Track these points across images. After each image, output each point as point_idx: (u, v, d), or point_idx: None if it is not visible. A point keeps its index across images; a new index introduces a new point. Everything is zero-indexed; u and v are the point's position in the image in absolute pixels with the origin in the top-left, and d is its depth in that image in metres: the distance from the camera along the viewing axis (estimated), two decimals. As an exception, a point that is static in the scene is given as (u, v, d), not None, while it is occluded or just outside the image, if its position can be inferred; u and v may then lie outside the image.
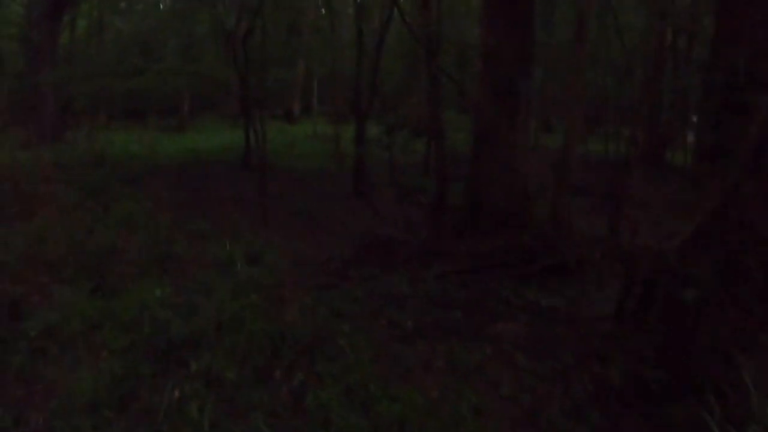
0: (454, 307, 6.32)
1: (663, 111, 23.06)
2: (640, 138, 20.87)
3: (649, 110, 21.47)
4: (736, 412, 3.89)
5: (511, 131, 8.79)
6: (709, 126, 6.09)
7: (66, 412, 4.31)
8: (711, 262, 4.97)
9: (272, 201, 10.68)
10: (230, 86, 19.46)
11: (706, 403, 4.00)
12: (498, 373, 5.12)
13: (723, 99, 5.62)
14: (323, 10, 37.08)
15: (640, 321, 5.65)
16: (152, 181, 13.71)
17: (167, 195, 11.84)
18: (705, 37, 17.39)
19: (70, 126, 25.19)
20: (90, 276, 6.94)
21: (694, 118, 20.80)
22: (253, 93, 14.63)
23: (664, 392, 4.58)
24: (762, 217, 5.20)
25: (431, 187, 12.31)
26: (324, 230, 9.05)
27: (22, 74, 25.10)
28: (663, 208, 11.81)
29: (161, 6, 33.67)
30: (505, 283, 7.17)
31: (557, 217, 9.23)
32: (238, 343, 5.05)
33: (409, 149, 18.96)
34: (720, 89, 5.67)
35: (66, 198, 11.34)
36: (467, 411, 4.38)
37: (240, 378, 4.70)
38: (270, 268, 6.93)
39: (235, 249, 7.45)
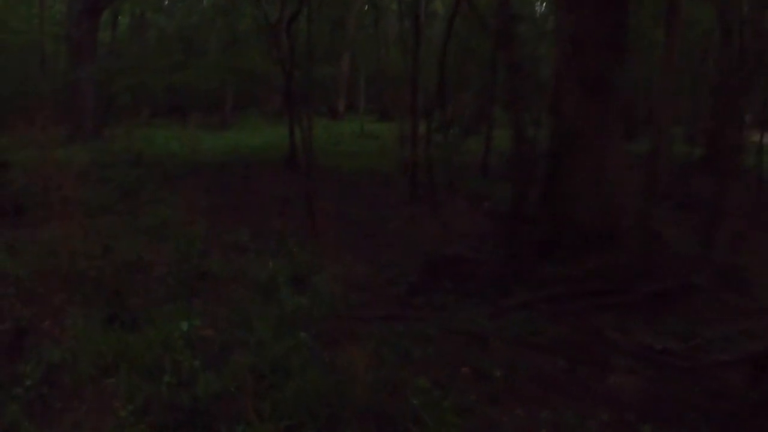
0: (548, 351, 5.03)
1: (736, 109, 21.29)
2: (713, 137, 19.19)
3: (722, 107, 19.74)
4: None
5: (601, 134, 7.43)
6: None
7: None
8: None
9: (320, 206, 9.50)
10: (273, 82, 18.36)
11: None
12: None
13: None
14: (366, 7, 36.08)
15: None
16: (190, 181, 12.69)
17: (205, 198, 10.78)
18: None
19: (110, 123, 24.51)
20: (109, 297, 5.85)
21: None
22: (298, 88, 13.51)
23: None
24: None
25: (495, 193, 11.03)
26: (381, 243, 7.83)
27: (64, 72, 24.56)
28: (746, 218, 10.33)
29: (204, 2, 32.86)
30: (605, 317, 5.85)
31: (648, 232, 7.85)
32: (281, 403, 3.85)
33: (461, 149, 17.69)
34: None
35: (96, 200, 10.36)
36: None
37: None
38: (320, 295, 5.74)
39: (278, 267, 6.29)
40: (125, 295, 5.75)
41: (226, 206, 9.99)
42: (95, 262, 6.74)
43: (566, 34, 7.93)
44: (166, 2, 35.68)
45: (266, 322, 4.99)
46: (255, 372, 4.18)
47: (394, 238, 7.99)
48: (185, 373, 4.22)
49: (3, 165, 12.77)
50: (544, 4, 30.36)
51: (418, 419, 3.79)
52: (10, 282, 6.68)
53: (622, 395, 4.46)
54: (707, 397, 4.62)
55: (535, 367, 4.72)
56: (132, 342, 4.86)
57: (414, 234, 8.17)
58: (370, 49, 34.34)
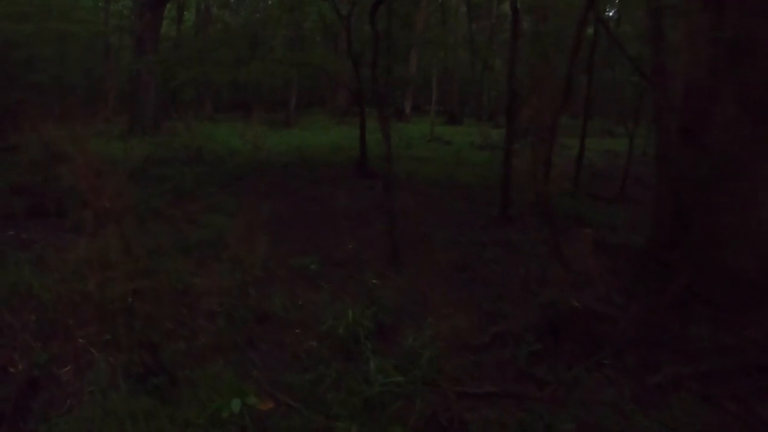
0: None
1: None
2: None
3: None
4: None
5: (763, 161, 5.76)
6: None
7: None
8: None
9: (400, 224, 8.09)
10: (343, 79, 17.06)
11: None
12: None
13: None
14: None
15: None
16: (252, 184, 11.45)
17: (267, 204, 9.48)
18: None
19: (172, 116, 23.66)
20: (143, 342, 4.54)
21: None
22: (371, 86, 12.10)
23: None
24: None
25: (596, 217, 9.42)
26: (478, 279, 6.33)
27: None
28: None
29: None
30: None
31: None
32: None
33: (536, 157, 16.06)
34: None
35: (146, 203, 9.18)
36: None
37: None
38: (413, 356, 4.30)
39: (357, 311, 4.86)
40: (163, 343, 4.41)
41: (291, 218, 8.66)
42: (132, 285, 5.47)
43: (703, 39, 6.22)
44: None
45: (347, 406, 3.58)
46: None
47: (494, 274, 6.47)
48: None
49: (12, 148, 11.92)
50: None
51: None
52: (32, 308, 5.50)
53: None
54: None
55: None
56: (164, 418, 3.52)
57: (516, 268, 6.64)
58: (437, 48, 32.78)
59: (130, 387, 3.98)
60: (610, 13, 22.37)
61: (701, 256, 5.80)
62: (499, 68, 37.50)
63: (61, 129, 19.06)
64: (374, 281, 5.83)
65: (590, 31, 13.49)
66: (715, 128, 6.01)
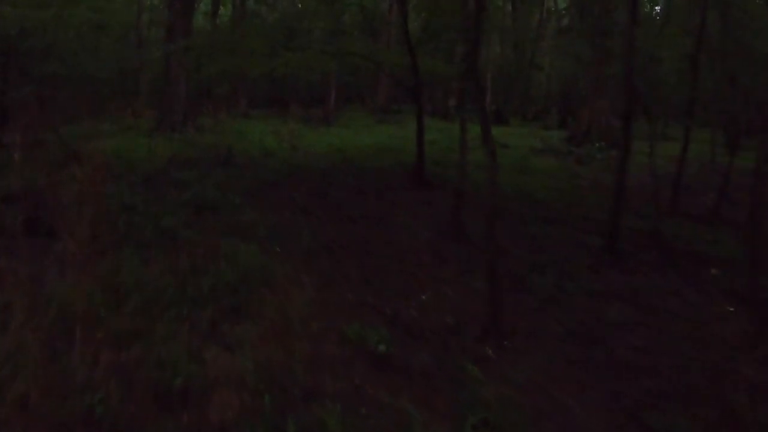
0: None
1: None
2: None
3: None
4: None
5: None
6: None
7: None
8: None
9: (479, 258, 6.01)
10: (393, 72, 14.87)
11: None
12: None
13: None
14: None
15: None
16: (287, 194, 9.44)
17: (307, 225, 7.45)
18: None
19: (204, 112, 21.85)
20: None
21: None
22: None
23: None
24: None
25: (711, 248, 7.24)
26: (617, 363, 4.14)
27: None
28: None
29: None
30: None
31: None
32: None
33: (607, 167, 13.76)
34: None
35: (156, 220, 7.22)
36: None
37: None
38: None
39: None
40: None
41: (337, 245, 6.59)
42: (109, 377, 3.48)
43: None
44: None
45: None
46: None
47: (636, 352, 4.29)
48: None
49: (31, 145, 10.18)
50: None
51: None
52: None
53: None
54: None
55: None
56: None
57: (661, 340, 4.50)
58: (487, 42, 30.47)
59: None
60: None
61: None
62: (547, 65, 35.16)
63: (82, 125, 17.19)
64: (473, 370, 3.75)
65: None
66: None
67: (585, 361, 4.12)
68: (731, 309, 5.39)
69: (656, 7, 27.69)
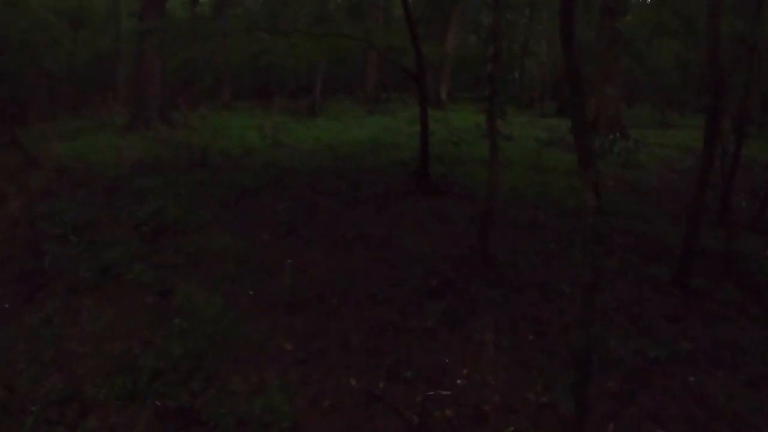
0: None
1: None
2: None
3: None
4: None
5: None
6: None
7: None
8: None
9: (518, 300, 4.35)
10: (389, 55, 12.99)
11: None
12: None
13: None
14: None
15: None
16: (269, 205, 7.70)
17: (292, 251, 5.74)
18: None
19: (181, 105, 19.95)
20: None
21: None
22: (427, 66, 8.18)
23: None
24: None
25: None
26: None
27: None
28: None
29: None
30: None
31: None
32: None
33: (630, 161, 12.06)
34: None
35: (94, 255, 5.47)
36: None
37: None
38: None
39: None
40: None
41: (333, 292, 4.85)
42: None
43: None
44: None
45: None
46: None
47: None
48: None
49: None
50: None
51: None
52: None
53: None
54: None
55: None
56: None
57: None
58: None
59: None
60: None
61: None
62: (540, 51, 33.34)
63: (56, 123, 15.11)
64: None
65: None
66: None
67: None
68: None
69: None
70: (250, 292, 4.72)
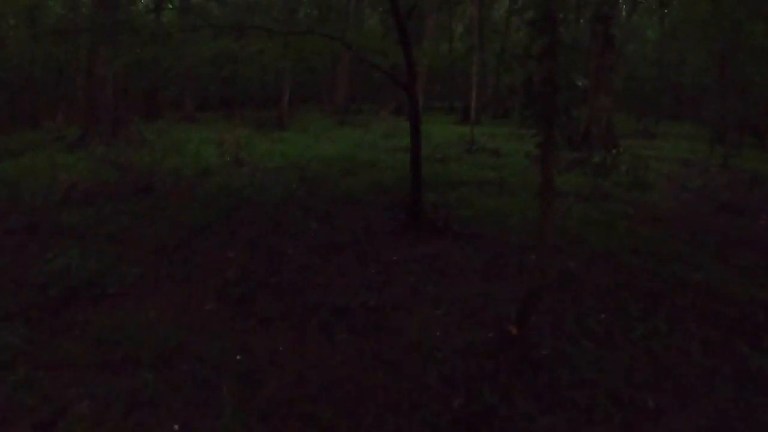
0: None
1: None
2: None
3: None
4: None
5: None
6: None
7: None
8: None
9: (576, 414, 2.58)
10: (342, 72, 11.16)
11: None
12: None
13: None
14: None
15: None
16: (218, 251, 5.84)
17: (237, 378, 3.89)
18: None
19: (134, 119, 17.76)
20: None
21: None
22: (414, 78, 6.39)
23: None
24: None
25: None
26: None
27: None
28: None
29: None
30: None
31: None
32: None
33: (635, 181, 10.35)
34: None
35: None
36: None
37: None
38: None
39: None
40: None
41: (301, 411, 3.05)
42: None
43: None
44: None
45: None
46: None
47: None
48: None
49: None
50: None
51: None
52: None
53: None
54: None
55: None
56: None
57: None
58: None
59: None
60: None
61: None
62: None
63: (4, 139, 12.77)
64: None
65: None
66: None
67: None
68: None
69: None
70: (175, 428, 2.89)
